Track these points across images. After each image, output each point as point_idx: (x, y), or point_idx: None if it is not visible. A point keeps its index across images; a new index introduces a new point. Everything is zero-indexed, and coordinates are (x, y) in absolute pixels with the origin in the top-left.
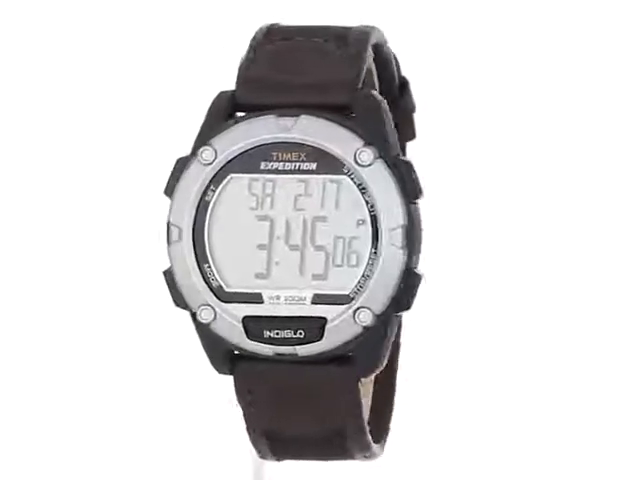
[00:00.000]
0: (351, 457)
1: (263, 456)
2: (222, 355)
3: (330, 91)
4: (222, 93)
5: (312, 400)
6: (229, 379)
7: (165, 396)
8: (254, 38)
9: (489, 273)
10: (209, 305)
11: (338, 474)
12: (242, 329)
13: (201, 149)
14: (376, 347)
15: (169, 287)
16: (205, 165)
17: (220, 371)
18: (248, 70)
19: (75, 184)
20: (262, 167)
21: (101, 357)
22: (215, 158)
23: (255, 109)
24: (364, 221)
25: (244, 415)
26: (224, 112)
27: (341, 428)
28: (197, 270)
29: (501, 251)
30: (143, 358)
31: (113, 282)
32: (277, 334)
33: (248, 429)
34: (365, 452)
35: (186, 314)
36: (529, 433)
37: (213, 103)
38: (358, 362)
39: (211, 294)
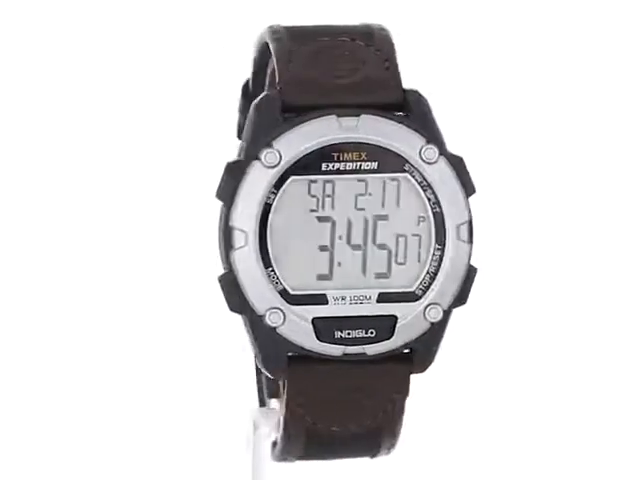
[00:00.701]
0: (376, 455)
1: (283, 457)
2: (284, 358)
3: (379, 90)
4: (268, 95)
5: (364, 398)
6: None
7: (165, 396)
8: (279, 40)
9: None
10: (278, 308)
11: (338, 474)
12: (312, 331)
13: (264, 152)
14: (435, 342)
15: (228, 293)
16: (269, 168)
17: (276, 375)
18: (289, 71)
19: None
20: (323, 168)
21: (100, 357)
22: (280, 161)
23: (305, 110)
24: (425, 218)
25: (288, 416)
26: (275, 114)
27: (381, 425)
28: (264, 274)
29: (499, 251)
30: (143, 358)
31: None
32: (348, 334)
33: (287, 429)
34: (390, 450)
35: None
36: (531, 434)
37: (261, 105)
38: (416, 358)
39: (279, 297)
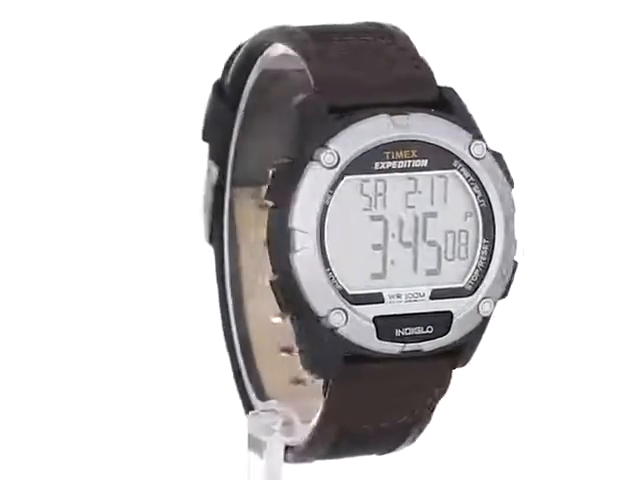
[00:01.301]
0: (397, 450)
1: (303, 458)
2: (340, 359)
3: (416, 88)
4: (311, 96)
5: (407, 394)
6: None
7: (166, 396)
8: (302, 40)
9: None
10: (340, 309)
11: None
12: (374, 330)
13: (323, 153)
14: (481, 336)
15: (286, 296)
16: (329, 169)
17: (327, 376)
18: (325, 72)
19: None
20: (376, 167)
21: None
22: (338, 161)
23: (349, 110)
24: (472, 213)
25: (328, 417)
26: (323, 115)
27: (414, 421)
28: (325, 275)
29: None
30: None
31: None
32: (407, 331)
33: (321, 430)
34: (408, 445)
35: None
36: (533, 436)
37: (306, 107)
38: (462, 352)
39: (341, 297)
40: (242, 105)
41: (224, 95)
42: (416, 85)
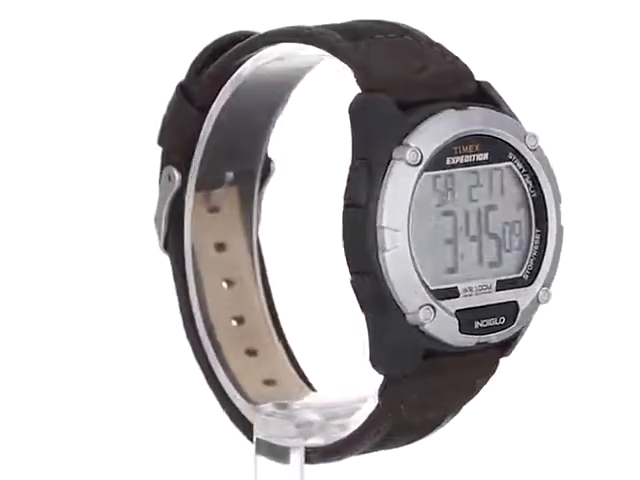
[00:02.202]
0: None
1: (333, 458)
2: (420, 355)
3: (458, 83)
4: (378, 96)
5: (463, 385)
6: None
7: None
8: (335, 40)
9: None
10: (429, 305)
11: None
12: (457, 323)
13: (407, 151)
14: (527, 326)
15: (372, 294)
16: (413, 166)
17: (404, 372)
18: (375, 70)
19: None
20: (447, 162)
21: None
22: (421, 159)
23: (412, 106)
24: (525, 204)
25: (387, 413)
26: (393, 113)
27: (455, 410)
28: (415, 272)
29: None
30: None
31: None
32: (485, 323)
33: (375, 426)
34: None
35: None
36: (534, 435)
37: (371, 104)
38: (513, 342)
39: (428, 293)
40: (215, 109)
41: (192, 98)
42: (458, 79)
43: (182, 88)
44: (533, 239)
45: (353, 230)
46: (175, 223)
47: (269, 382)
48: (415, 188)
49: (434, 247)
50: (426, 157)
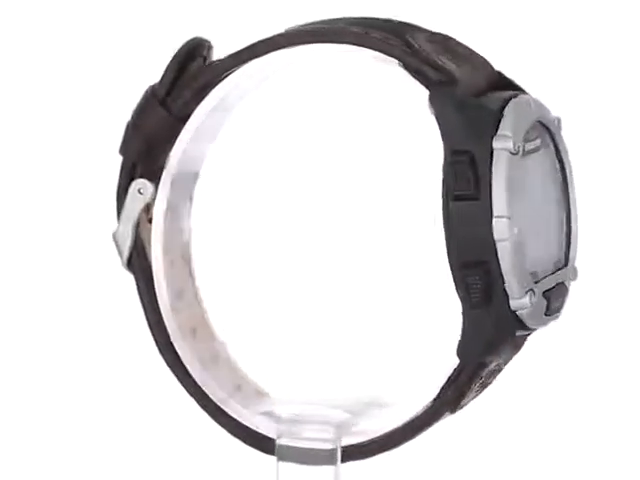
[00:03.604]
0: None
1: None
2: (511, 339)
3: (486, 72)
4: (448, 88)
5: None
6: None
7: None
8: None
9: None
10: (532, 290)
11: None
12: (545, 305)
13: (509, 142)
14: None
15: (483, 284)
16: (514, 155)
17: (487, 359)
18: (442, 65)
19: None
20: (526, 149)
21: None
22: (519, 148)
23: (479, 96)
24: (558, 184)
25: (455, 399)
26: (478, 102)
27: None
28: (525, 258)
29: None
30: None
31: None
32: (555, 305)
33: (435, 413)
34: None
35: None
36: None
37: (457, 97)
38: None
39: (530, 276)
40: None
41: (167, 105)
42: (484, 70)
43: (157, 95)
44: (564, 220)
45: (465, 223)
46: (145, 236)
47: (238, 387)
48: (518, 176)
49: (533, 232)
50: (521, 145)
